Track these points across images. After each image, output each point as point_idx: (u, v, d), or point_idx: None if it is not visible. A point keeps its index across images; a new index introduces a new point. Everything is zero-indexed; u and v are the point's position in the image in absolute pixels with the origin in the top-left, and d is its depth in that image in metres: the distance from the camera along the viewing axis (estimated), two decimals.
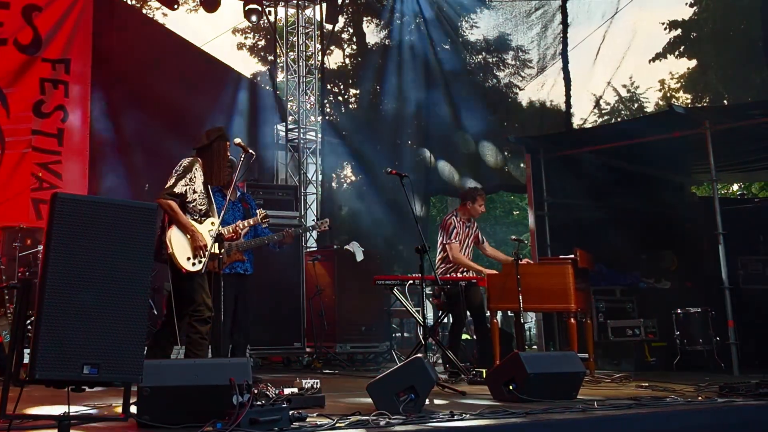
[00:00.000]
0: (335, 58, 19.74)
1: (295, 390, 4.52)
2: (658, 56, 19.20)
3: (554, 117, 12.94)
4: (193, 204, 5.69)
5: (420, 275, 6.48)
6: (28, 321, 4.68)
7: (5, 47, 9.27)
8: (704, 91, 19.12)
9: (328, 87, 17.24)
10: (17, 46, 9.35)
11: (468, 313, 7.83)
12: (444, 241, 7.78)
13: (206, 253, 5.55)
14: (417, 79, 14.05)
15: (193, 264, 5.54)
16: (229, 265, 6.63)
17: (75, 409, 3.96)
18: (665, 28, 19.07)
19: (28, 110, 9.34)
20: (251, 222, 6.39)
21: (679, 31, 18.88)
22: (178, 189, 5.63)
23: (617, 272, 9.71)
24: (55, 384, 3.41)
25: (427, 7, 14.16)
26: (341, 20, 16.71)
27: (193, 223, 5.64)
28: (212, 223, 5.78)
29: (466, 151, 13.36)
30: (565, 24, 12.20)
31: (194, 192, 5.70)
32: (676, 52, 19.05)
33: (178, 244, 5.54)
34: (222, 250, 5.66)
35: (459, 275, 7.60)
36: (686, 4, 18.78)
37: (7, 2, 9.33)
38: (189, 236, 5.58)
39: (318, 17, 13.91)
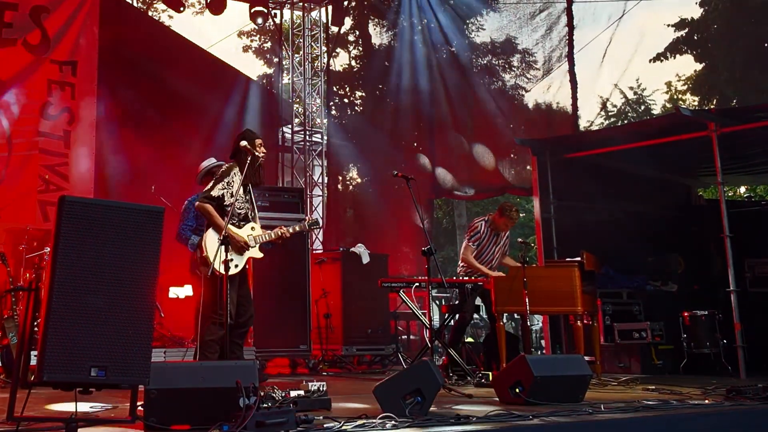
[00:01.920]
0: (341, 60, 19.79)
1: (302, 393, 4.52)
2: (663, 57, 19.13)
3: (560, 119, 12.91)
4: (231, 208, 5.76)
5: (426, 277, 6.48)
6: (35, 323, 4.70)
7: (14, 48, 9.31)
8: (711, 93, 19.07)
9: (334, 89, 17.25)
10: (26, 47, 9.39)
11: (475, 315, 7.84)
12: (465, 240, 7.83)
13: (246, 251, 5.77)
14: (423, 81, 14.05)
15: (228, 268, 5.57)
16: None
17: (82, 411, 3.97)
18: (673, 30, 19.03)
19: (35, 112, 9.38)
20: (297, 228, 6.29)
21: (685, 32, 18.82)
22: (215, 192, 5.78)
23: (624, 275, 9.67)
24: (63, 386, 3.43)
25: (434, 9, 14.15)
26: (347, 22, 16.71)
27: (231, 227, 5.71)
28: (252, 228, 5.90)
29: (471, 153, 13.34)
30: (570, 26, 12.17)
31: (231, 196, 5.79)
32: (682, 53, 19.00)
33: (213, 247, 5.59)
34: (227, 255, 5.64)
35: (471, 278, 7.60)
36: (695, 3, 18.75)
37: (15, 3, 9.37)
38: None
39: (324, 19, 13.95)
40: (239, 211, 5.85)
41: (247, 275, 6.11)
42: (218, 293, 5.59)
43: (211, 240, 5.68)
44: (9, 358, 6.30)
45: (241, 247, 5.76)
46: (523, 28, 13.35)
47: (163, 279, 9.17)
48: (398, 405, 4.12)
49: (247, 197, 5.96)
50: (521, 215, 25.45)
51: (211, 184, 5.85)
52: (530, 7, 13.09)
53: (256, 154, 5.81)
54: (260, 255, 5.94)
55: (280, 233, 6.02)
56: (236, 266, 5.67)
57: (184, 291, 9.77)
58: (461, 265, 7.87)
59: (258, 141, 6.00)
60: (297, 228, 6.29)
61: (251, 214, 5.97)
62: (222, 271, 5.51)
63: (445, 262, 19.82)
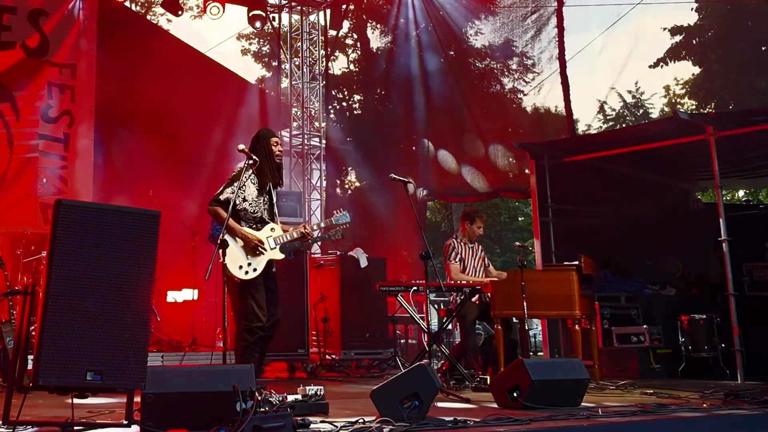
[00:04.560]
0: (339, 64, 19.80)
1: (299, 397, 4.51)
2: (661, 61, 19.15)
3: (559, 123, 12.93)
4: (245, 212, 5.67)
5: (424, 281, 6.47)
6: (32, 327, 4.69)
7: (13, 51, 9.32)
8: (709, 97, 19.08)
9: (333, 93, 17.25)
10: (25, 50, 9.40)
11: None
12: (444, 262, 7.74)
13: (263, 251, 5.58)
14: (421, 85, 14.04)
15: (246, 273, 5.51)
16: None
17: (78, 415, 3.96)
18: (670, 34, 19.04)
19: (35, 114, 9.39)
20: (322, 225, 6.27)
21: (682, 36, 18.83)
22: (223, 196, 5.61)
23: (622, 279, 9.67)
24: (59, 390, 3.42)
25: (433, 12, 14.16)
26: (345, 26, 16.72)
27: (248, 229, 5.62)
28: (272, 229, 5.76)
29: (467, 155, 13.33)
30: (560, 28, 12.18)
31: (244, 200, 5.67)
32: (680, 57, 19.01)
33: (229, 252, 5.48)
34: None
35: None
36: (691, 9, 18.77)
37: (13, 6, 9.38)
38: (241, 240, 5.56)
39: (322, 23, 13.95)
40: (254, 215, 5.71)
41: (275, 278, 5.86)
42: (245, 299, 5.53)
43: (228, 246, 5.49)
44: (6, 362, 6.28)
45: (254, 248, 5.57)
46: (515, 30, 13.37)
47: (161, 283, 9.18)
48: (396, 409, 4.11)
49: (264, 198, 5.79)
50: (520, 219, 25.46)
51: (221, 188, 5.70)
52: (522, 10, 13.12)
53: (254, 157, 5.66)
54: (281, 256, 5.73)
55: (303, 231, 5.83)
56: (254, 270, 5.54)
57: (182, 295, 9.77)
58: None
59: (274, 140, 5.89)
60: (323, 225, 6.23)
61: (268, 216, 5.80)
62: (242, 276, 5.46)
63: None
